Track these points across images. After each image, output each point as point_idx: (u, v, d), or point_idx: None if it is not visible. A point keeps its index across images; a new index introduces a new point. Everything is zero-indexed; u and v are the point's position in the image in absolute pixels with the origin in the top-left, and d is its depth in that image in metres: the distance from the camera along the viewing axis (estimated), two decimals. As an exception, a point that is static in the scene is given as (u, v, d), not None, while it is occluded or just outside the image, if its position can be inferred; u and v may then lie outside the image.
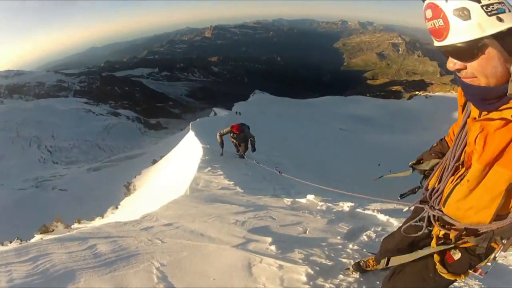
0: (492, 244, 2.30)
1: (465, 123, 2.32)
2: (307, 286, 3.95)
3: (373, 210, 7.41)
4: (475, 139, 2.03)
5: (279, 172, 11.52)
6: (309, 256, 4.67)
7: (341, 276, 4.18)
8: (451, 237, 2.42)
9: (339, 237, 5.59)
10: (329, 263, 4.50)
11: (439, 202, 2.46)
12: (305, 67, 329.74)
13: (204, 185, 10.89)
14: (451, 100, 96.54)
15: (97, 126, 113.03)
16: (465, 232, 2.32)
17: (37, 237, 12.27)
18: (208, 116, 52.39)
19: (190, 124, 30.70)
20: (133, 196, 25.48)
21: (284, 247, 4.98)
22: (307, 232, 5.87)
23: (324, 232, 5.90)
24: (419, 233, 2.68)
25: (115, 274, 4.27)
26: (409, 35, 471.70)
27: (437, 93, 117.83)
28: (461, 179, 2.22)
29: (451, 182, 2.33)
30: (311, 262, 4.50)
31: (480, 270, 2.45)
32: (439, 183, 2.48)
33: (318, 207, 8.04)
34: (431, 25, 1.87)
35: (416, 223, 2.76)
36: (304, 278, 4.09)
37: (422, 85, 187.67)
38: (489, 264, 2.43)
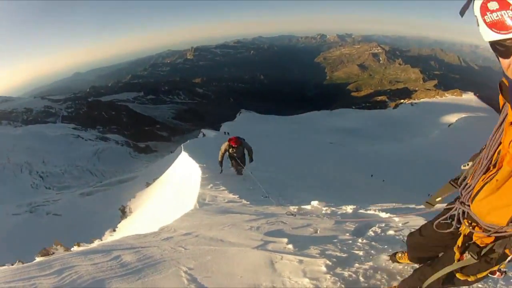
0: (506, 250, 2.37)
1: (500, 124, 2.33)
2: (328, 275, 4.34)
3: (375, 210, 7.94)
4: (510, 143, 2.10)
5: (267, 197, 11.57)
6: (324, 251, 5.10)
7: (356, 265, 4.58)
8: (474, 238, 2.52)
9: (347, 234, 6.05)
10: (344, 255, 4.92)
11: (469, 198, 2.52)
12: (289, 83, 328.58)
13: (211, 200, 11.22)
14: (436, 106, 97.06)
15: (87, 151, 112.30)
16: (485, 233, 2.39)
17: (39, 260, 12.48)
18: (197, 137, 52.52)
19: (182, 146, 30.94)
20: (130, 219, 25.51)
21: (300, 245, 5.41)
22: (318, 231, 6.33)
23: (333, 231, 6.36)
24: (449, 230, 2.74)
25: (145, 280, 4.55)
26: (388, 43, 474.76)
27: (422, 100, 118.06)
28: (491, 179, 2.29)
29: (482, 180, 2.38)
30: (327, 255, 4.92)
31: (497, 273, 2.56)
32: (471, 180, 2.53)
33: (323, 211, 8.51)
34: (496, 16, 1.76)
35: (446, 221, 2.82)
36: (324, 269, 4.50)
37: (406, 93, 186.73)
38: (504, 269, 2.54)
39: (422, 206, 8.27)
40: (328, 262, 4.68)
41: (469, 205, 2.50)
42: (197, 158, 20.06)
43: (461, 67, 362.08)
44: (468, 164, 2.86)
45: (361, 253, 5.02)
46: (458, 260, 2.64)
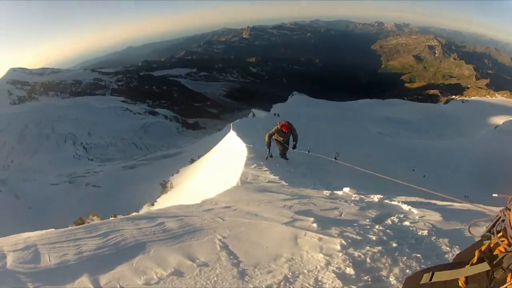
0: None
1: None
2: (341, 253, 5.04)
3: (399, 202, 8.55)
4: None
5: (335, 158, 11.89)
6: (343, 232, 5.81)
7: (367, 248, 5.23)
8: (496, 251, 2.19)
9: (368, 220, 6.76)
10: (359, 238, 5.61)
11: None
12: (343, 69, 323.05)
13: (253, 179, 11.99)
14: (486, 105, 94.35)
15: (135, 124, 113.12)
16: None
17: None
18: (246, 117, 51.53)
19: (231, 125, 30.77)
20: (170, 194, 26.12)
21: (323, 225, 6.15)
22: (342, 215, 7.10)
23: (356, 216, 7.10)
24: (481, 238, 2.42)
25: (183, 245, 5.33)
26: (445, 37, 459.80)
27: (473, 98, 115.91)
28: None
29: None
30: (345, 236, 5.63)
31: None
32: None
33: (353, 198, 9.25)
34: None
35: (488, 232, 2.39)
36: (338, 247, 5.22)
37: (458, 89, 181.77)
38: None
39: (444, 203, 8.83)
40: (343, 242, 5.38)
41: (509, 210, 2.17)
42: (245, 137, 20.40)
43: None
44: None
45: (374, 238, 5.66)
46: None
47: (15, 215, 40.88)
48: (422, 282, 2.47)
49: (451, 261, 4.23)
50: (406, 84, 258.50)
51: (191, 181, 24.91)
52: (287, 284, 4.31)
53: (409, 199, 9.04)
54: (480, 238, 2.45)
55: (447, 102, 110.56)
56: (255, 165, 14.10)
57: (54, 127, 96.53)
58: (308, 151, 13.75)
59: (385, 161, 30.91)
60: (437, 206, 8.39)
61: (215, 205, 7.88)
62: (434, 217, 7.07)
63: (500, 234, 2.23)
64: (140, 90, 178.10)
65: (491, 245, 2.26)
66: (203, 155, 36.73)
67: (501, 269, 2.05)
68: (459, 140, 50.28)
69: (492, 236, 2.30)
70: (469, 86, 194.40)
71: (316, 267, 4.72)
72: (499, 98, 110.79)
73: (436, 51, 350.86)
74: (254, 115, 52.34)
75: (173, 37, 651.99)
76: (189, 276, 4.47)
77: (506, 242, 2.10)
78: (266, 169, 13.60)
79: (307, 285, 4.29)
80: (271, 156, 15.86)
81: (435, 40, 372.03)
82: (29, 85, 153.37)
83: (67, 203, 42.36)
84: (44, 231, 5.92)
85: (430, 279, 2.46)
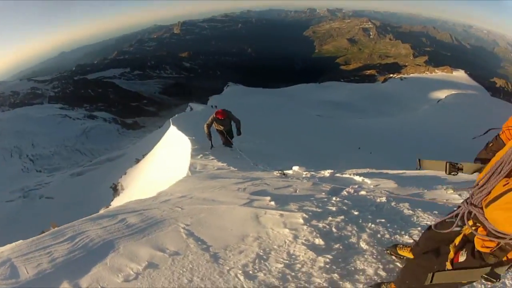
0: (505, 257, 2.36)
1: None
2: (305, 226, 5.16)
3: (350, 174, 8.78)
4: None
5: (256, 164, 12.09)
6: (302, 207, 5.91)
7: (330, 218, 5.38)
8: (475, 240, 2.46)
9: (323, 193, 6.88)
10: (319, 210, 5.74)
11: (481, 201, 2.43)
12: (277, 57, 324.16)
13: (201, 168, 12.00)
14: (426, 81, 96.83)
15: (75, 130, 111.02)
16: (490, 237, 2.31)
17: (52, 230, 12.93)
18: (184, 111, 51.98)
19: (170, 120, 30.71)
20: (123, 195, 25.78)
21: (281, 202, 6.23)
22: (297, 191, 7.19)
23: (311, 191, 7.22)
24: (449, 230, 2.69)
25: (149, 238, 5.32)
26: (380, 19, 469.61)
27: (412, 75, 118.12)
28: None
29: (504, 186, 2.25)
30: (305, 210, 5.72)
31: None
32: (485, 183, 2.41)
33: (303, 175, 9.38)
34: None
35: (451, 219, 2.70)
36: (301, 221, 5.31)
37: (396, 68, 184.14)
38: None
39: (396, 171, 9.05)
40: (305, 215, 5.48)
41: (481, 208, 2.43)
42: (186, 131, 20.34)
43: (453, 45, 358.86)
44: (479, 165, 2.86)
45: (334, 208, 5.82)
46: (452, 259, 2.66)
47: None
48: (425, 283, 2.62)
49: (417, 223, 4.89)
50: (342, 67, 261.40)
51: (140, 179, 25.08)
52: (262, 261, 4.40)
53: (359, 171, 9.25)
54: (448, 231, 2.68)
55: (385, 80, 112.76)
56: (201, 155, 14.12)
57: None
58: (256, 165, 13.30)
59: (330, 142, 31.33)
60: (389, 175, 8.71)
61: (170, 196, 7.85)
62: (389, 184, 7.33)
63: (471, 222, 2.51)
64: (76, 95, 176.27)
65: (466, 235, 2.57)
66: (147, 153, 36.62)
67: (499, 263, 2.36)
68: (401, 116, 51.04)
69: (462, 226, 2.61)
70: (407, 64, 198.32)
71: (285, 242, 4.83)
72: (439, 73, 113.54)
73: (371, 33, 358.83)
74: (191, 109, 52.87)
75: (104, 39, 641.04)
76: (164, 267, 4.52)
77: (484, 232, 2.35)
78: (212, 157, 13.72)
79: (281, 259, 4.39)
80: (213, 146, 15.66)
81: (369, 23, 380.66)
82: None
83: (26, 218, 41.51)
84: (14, 243, 5.89)
85: (431, 281, 2.59)
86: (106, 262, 4.83)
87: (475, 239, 2.46)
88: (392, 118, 51.34)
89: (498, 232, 2.24)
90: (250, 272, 4.18)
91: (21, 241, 5.96)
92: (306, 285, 3.90)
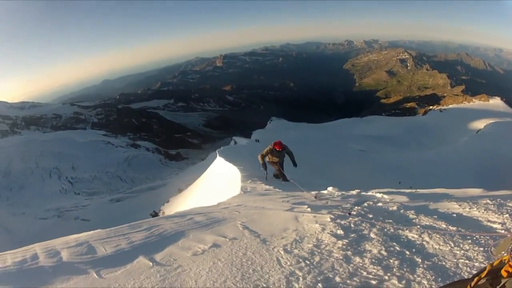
0: None
1: None
2: (331, 223, 6.97)
3: (373, 192, 10.68)
4: None
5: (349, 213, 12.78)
6: (331, 212, 7.81)
7: (350, 218, 7.25)
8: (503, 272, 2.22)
9: (348, 204, 8.82)
10: (343, 214, 7.63)
11: None
12: (318, 91, 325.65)
13: (251, 189, 13.71)
14: (465, 111, 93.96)
15: (117, 157, 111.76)
16: None
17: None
18: (228, 144, 52.76)
19: (217, 152, 30.90)
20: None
21: (315, 209, 8.21)
22: (328, 203, 9.13)
23: (339, 202, 9.25)
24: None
25: (213, 229, 7.16)
26: (415, 49, 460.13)
27: (450, 106, 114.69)
28: None
29: None
30: (333, 213, 7.62)
31: None
32: None
33: (336, 194, 11.26)
34: None
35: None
36: (329, 220, 7.18)
37: (435, 99, 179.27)
38: None
39: (407, 190, 10.82)
40: (332, 216, 7.35)
41: None
42: (234, 162, 20.87)
43: (486, 71, 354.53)
44: None
45: (354, 213, 7.69)
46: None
47: (6, 250, 40.03)
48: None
49: (418, 223, 6.24)
50: (382, 100, 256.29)
51: (187, 205, 24.27)
52: (297, 243, 6.10)
53: (381, 190, 11.04)
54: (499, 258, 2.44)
55: (425, 113, 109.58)
56: (250, 180, 15.39)
57: (38, 162, 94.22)
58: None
59: (371, 177, 31.62)
60: (405, 193, 10.36)
61: (228, 205, 9.97)
62: (402, 199, 9.21)
63: None
64: (120, 123, 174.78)
65: (503, 260, 2.32)
66: (190, 184, 37.31)
67: None
68: (441, 149, 49.97)
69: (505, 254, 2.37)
70: (445, 94, 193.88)
71: (315, 232, 6.59)
72: (476, 102, 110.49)
73: (408, 64, 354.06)
74: (235, 142, 52.21)
75: (147, 69, 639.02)
76: (225, 246, 6.15)
77: None
78: (260, 182, 15.00)
79: (312, 242, 6.11)
80: (267, 176, 15.73)
81: (406, 53, 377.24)
82: (11, 119, 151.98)
83: (57, 236, 41.04)
84: (91, 231, 7.46)
85: None
86: (178, 244, 6.44)
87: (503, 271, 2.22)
88: (433, 151, 49.67)
89: None
90: (288, 249, 5.83)
91: (99, 230, 7.61)
92: (327, 257, 5.45)
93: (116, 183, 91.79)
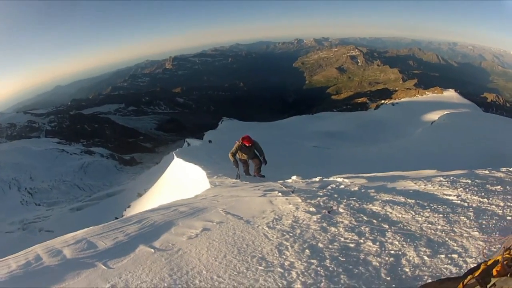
0: None
1: None
2: (303, 203, 7.94)
3: (333, 177, 11.68)
4: None
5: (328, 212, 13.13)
6: (300, 194, 8.81)
7: (318, 198, 8.23)
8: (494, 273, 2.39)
9: (314, 188, 9.89)
10: (311, 195, 8.66)
11: None
12: (269, 89, 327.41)
13: (220, 183, 14.17)
14: (418, 104, 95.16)
15: (73, 165, 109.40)
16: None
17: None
18: (181, 147, 51.99)
19: (173, 154, 30.99)
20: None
21: (285, 194, 9.28)
22: (295, 189, 9.92)
23: (305, 188, 10.27)
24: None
25: (199, 217, 7.96)
26: (366, 45, 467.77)
27: (402, 99, 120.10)
28: None
29: None
30: (302, 196, 8.63)
31: None
32: None
33: (300, 182, 12.12)
34: None
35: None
36: (300, 201, 8.17)
37: (386, 93, 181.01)
38: None
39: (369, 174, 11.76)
40: (302, 197, 8.37)
41: None
42: (194, 161, 20.84)
43: (440, 65, 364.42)
44: None
45: (321, 194, 8.75)
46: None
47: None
48: None
49: (379, 199, 7.19)
50: (333, 97, 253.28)
51: (152, 206, 24.79)
52: (277, 221, 6.98)
53: (342, 176, 11.93)
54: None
55: (377, 107, 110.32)
56: (215, 176, 15.59)
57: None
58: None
59: (328, 171, 31.47)
60: (363, 176, 11.27)
61: (206, 196, 10.81)
62: (361, 181, 10.20)
63: (507, 252, 2.53)
64: (73, 129, 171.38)
65: (499, 259, 2.46)
66: (149, 188, 37.73)
67: None
68: (396, 142, 51.11)
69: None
70: (397, 89, 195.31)
71: (291, 211, 7.53)
72: (430, 95, 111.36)
73: (359, 60, 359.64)
74: (189, 144, 51.99)
75: (98, 73, 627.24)
76: (215, 229, 6.90)
77: (506, 262, 2.39)
78: (226, 177, 15.48)
79: (290, 219, 7.01)
80: (239, 176, 15.02)
81: (356, 50, 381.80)
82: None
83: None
84: (85, 229, 7.81)
85: None
86: (171, 231, 7.12)
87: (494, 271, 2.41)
88: (387, 144, 50.40)
89: None
90: (271, 225, 6.68)
91: (92, 226, 7.98)
92: (306, 229, 6.32)
93: (74, 192, 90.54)
